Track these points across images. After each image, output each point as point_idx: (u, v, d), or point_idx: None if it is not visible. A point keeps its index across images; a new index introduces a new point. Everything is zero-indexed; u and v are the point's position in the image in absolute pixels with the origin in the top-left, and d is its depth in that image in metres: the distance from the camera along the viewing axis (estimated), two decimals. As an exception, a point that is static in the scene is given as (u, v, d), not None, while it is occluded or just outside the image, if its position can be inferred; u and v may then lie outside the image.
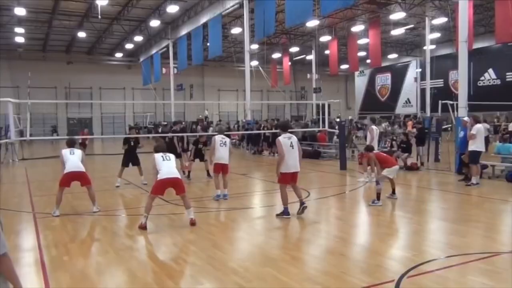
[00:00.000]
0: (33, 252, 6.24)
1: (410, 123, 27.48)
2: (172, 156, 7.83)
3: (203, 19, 28.29)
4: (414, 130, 18.89)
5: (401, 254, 5.95)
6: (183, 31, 31.93)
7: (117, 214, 8.92)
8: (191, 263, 5.66)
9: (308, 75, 39.16)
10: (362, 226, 7.98)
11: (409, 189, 11.90)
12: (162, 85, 39.07)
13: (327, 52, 36.44)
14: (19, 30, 31.08)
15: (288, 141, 8.05)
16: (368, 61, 35.26)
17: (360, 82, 48.83)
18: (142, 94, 44.04)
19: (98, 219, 8.31)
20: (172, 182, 7.50)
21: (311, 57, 39.17)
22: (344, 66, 41.05)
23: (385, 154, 9.89)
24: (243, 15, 25.00)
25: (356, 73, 46.16)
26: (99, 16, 26.94)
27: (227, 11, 26.01)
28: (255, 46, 33.22)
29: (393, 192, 9.71)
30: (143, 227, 7.32)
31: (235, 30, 30.61)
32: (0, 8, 27.28)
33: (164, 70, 36.49)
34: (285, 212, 8.10)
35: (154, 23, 30.85)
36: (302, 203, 8.27)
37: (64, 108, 42.10)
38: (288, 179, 8.13)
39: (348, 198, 10.63)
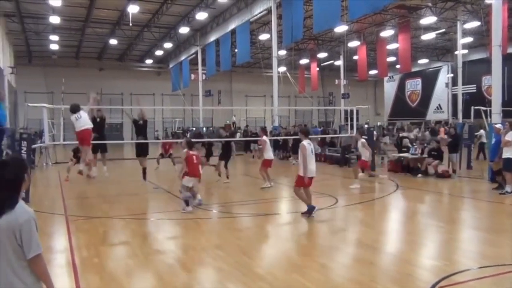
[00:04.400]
0: (65, 253, 6.39)
1: (442, 129, 26.85)
2: None
3: (232, 25, 28.51)
4: (446, 136, 18.46)
5: (432, 264, 5.80)
6: (212, 38, 32.25)
7: (146, 218, 9.04)
8: (218, 268, 5.67)
9: (336, 81, 38.85)
10: (392, 233, 7.83)
11: (440, 197, 11.62)
12: (191, 91, 39.51)
13: (355, 57, 36.07)
14: (53, 37, 32.08)
15: (310, 147, 8.43)
16: (398, 66, 34.68)
17: (390, 88, 48.11)
18: (171, 100, 44.63)
19: (127, 223, 8.45)
20: None
21: (339, 62, 38.86)
22: (373, 72, 40.53)
23: (195, 161, 9.28)
24: (271, 21, 25.04)
25: (385, 78, 45.50)
26: (130, 24, 27.50)
27: (255, 17, 26.12)
28: (283, 52, 33.20)
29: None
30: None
31: (263, 36, 30.69)
32: (36, 16, 28.27)
33: (192, 76, 36.90)
34: (310, 209, 8.36)
35: (183, 30, 31.28)
36: (313, 207, 8.55)
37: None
38: (309, 183, 8.50)
39: (377, 205, 10.45)
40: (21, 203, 2.66)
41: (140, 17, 28.77)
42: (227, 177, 13.68)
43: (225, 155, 14.02)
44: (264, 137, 12.86)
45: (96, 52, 40.90)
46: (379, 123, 42.85)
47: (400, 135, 18.90)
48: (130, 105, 43.16)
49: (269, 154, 12.64)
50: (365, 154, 12.66)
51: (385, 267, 5.74)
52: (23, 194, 2.73)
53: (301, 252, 6.46)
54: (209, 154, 15.34)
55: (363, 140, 12.76)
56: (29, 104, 11.47)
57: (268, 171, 12.53)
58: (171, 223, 8.65)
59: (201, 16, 27.88)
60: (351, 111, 16.74)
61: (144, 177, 12.63)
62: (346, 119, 26.33)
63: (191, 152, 9.29)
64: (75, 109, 9.88)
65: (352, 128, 16.53)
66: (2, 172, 2.65)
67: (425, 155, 14.77)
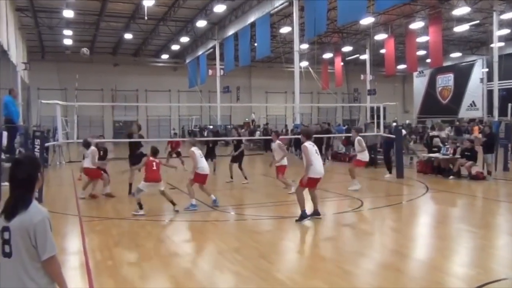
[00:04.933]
0: (79, 255, 6.51)
1: (476, 128, 26.38)
2: None
3: (251, 18, 28.55)
4: (481, 135, 18.11)
5: (465, 272, 5.71)
6: (230, 31, 32.36)
7: (162, 219, 9.13)
8: (236, 272, 5.69)
9: (362, 76, 38.52)
10: (421, 239, 7.72)
11: (474, 200, 11.41)
12: (208, 87, 39.73)
13: (382, 51, 35.71)
14: (67, 32, 32.67)
15: (313, 148, 8.47)
16: (428, 60, 34.19)
17: (419, 83, 47.46)
18: (187, 96, 44.99)
19: (142, 224, 8.55)
20: None
21: (365, 56, 38.54)
22: (401, 66, 40.05)
23: (155, 167, 9.39)
24: (293, 13, 24.99)
25: (415, 73, 44.91)
26: (146, 17, 27.83)
27: (276, 9, 26.11)
28: (305, 46, 33.08)
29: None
30: None
31: (284, 29, 30.64)
32: (49, 10, 28.83)
33: (210, 72, 37.11)
34: (304, 216, 8.31)
35: (201, 23, 31.47)
36: (317, 213, 8.55)
37: (110, 111, 43.77)
38: (314, 184, 8.51)
39: (405, 209, 10.33)
40: (34, 203, 2.73)
41: (156, 10, 29.06)
42: (245, 178, 13.85)
43: (237, 156, 14.21)
44: (277, 142, 12.27)
45: (110, 47, 41.50)
46: (407, 121, 42.32)
47: (430, 134, 18.61)
48: (145, 101, 43.73)
49: (283, 159, 12.09)
50: (361, 153, 12.57)
51: (413, 274, 5.67)
52: (36, 193, 2.79)
53: (324, 257, 6.43)
54: (211, 154, 15.38)
55: (359, 137, 12.69)
56: (42, 101, 11.69)
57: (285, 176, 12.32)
58: (187, 225, 8.72)
59: (219, 8, 27.99)
60: (378, 108, 16.57)
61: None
62: (372, 116, 26.12)
63: (151, 158, 9.50)
64: (86, 145, 11.44)
65: (378, 126, 16.37)
66: (15, 171, 2.72)
67: (457, 156, 14.51)
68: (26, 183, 2.72)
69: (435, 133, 18.43)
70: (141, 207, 9.23)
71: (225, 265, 6.03)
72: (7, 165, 10.98)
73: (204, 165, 9.99)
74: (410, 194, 12.00)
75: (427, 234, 8.06)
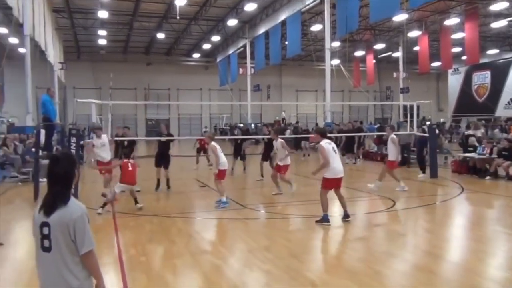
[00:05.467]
0: (112, 251, 6.66)
1: (513, 127, 25.51)
2: None
3: (282, 16, 28.47)
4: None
5: (501, 275, 5.55)
6: (261, 30, 32.37)
7: (193, 216, 9.23)
8: (267, 271, 5.70)
9: (395, 74, 37.87)
10: (455, 240, 7.54)
11: (511, 201, 11.06)
12: (239, 85, 39.88)
13: (416, 48, 35.00)
14: (101, 32, 33.45)
15: (330, 146, 8.17)
16: (464, 57, 33.28)
17: (454, 81, 46.21)
18: (218, 95, 45.29)
19: (174, 221, 8.67)
20: None
21: (398, 54, 37.87)
22: (435, 64, 39.17)
23: (130, 169, 9.38)
24: (324, 11, 24.81)
25: (450, 71, 43.72)
26: (178, 17, 28.16)
27: (307, 7, 25.95)
28: (336, 44, 32.79)
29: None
30: None
31: (315, 27, 30.44)
32: (85, 11, 29.56)
33: (241, 70, 37.24)
34: (325, 219, 8.09)
35: (232, 22, 31.61)
36: (347, 215, 8.31)
37: (143, 109, 44.52)
38: (333, 185, 8.22)
39: (439, 209, 10.11)
40: (73, 198, 2.82)
41: (188, 10, 29.36)
42: (262, 176, 13.92)
43: (267, 154, 14.11)
44: (280, 140, 11.59)
45: (143, 47, 42.19)
46: (442, 120, 41.37)
47: (466, 133, 18.15)
48: (177, 100, 44.26)
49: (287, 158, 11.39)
50: (392, 152, 12.00)
51: (447, 276, 5.55)
52: (72, 189, 2.88)
53: (355, 257, 6.37)
54: (238, 153, 15.40)
55: (393, 136, 12.13)
56: (78, 100, 12.03)
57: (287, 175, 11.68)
58: (218, 223, 8.79)
59: (250, 7, 28.05)
60: (411, 106, 16.28)
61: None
62: (405, 115, 25.65)
63: (125, 160, 9.59)
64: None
65: (412, 125, 16.07)
66: (53, 168, 2.81)
67: (494, 156, 14.09)
68: (63, 179, 2.80)
69: (470, 132, 17.97)
70: (104, 206, 9.13)
71: (255, 264, 6.05)
72: (44, 162, 11.35)
73: (224, 160, 9.95)
74: (444, 195, 11.74)
75: (462, 235, 7.87)
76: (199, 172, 16.01)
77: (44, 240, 2.75)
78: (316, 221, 8.16)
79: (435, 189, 12.71)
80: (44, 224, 2.73)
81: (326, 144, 8.15)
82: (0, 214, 8.83)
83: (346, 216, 8.34)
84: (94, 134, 11.23)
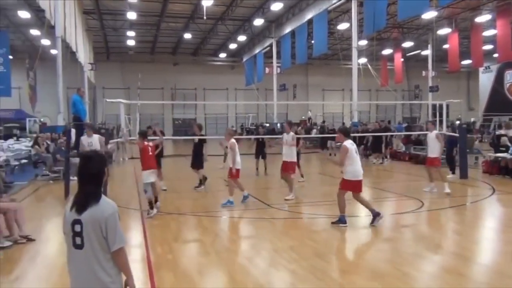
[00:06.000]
0: (140, 249, 6.76)
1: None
2: None
3: (308, 15, 28.34)
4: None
5: (535, 279, 5.39)
6: (287, 29, 32.31)
7: (219, 215, 9.28)
8: (292, 270, 5.69)
9: (423, 72, 37.20)
10: (486, 243, 7.36)
11: (545, 203, 10.73)
12: (265, 85, 39.90)
13: (445, 46, 34.30)
14: (130, 33, 34.05)
15: (352, 147, 8.04)
16: (495, 55, 32.48)
17: (486, 80, 45.11)
18: (244, 94, 45.40)
19: (200, 220, 8.74)
20: None
21: (427, 52, 37.22)
22: (466, 62, 38.31)
23: (150, 152, 8.98)
24: (351, 9, 24.57)
25: (481, 69, 42.74)
26: (204, 17, 28.37)
27: (334, 5, 25.75)
28: (363, 42, 32.44)
29: None
30: None
31: (342, 26, 30.19)
32: (114, 13, 30.12)
33: (267, 70, 37.24)
34: (342, 220, 8.00)
35: (258, 21, 31.65)
36: (377, 213, 8.06)
37: (170, 109, 45.04)
38: (352, 187, 8.06)
39: (470, 211, 9.89)
40: (103, 196, 2.89)
41: (214, 10, 29.54)
42: (302, 176, 13.68)
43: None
44: (291, 133, 11.04)
45: (170, 47, 42.67)
46: (472, 119, 40.44)
47: (497, 132, 17.69)
48: (203, 100, 44.61)
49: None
50: (436, 149, 11.38)
51: (476, 279, 5.43)
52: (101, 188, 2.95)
53: (382, 258, 6.29)
54: (260, 153, 15.28)
55: (437, 131, 11.67)
56: (107, 100, 12.22)
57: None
58: (244, 222, 8.82)
59: (276, 6, 28.03)
60: (440, 105, 15.97)
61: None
62: (434, 114, 25.17)
63: (146, 143, 9.05)
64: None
65: (441, 124, 15.77)
66: (85, 167, 2.87)
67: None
68: (95, 178, 2.87)
69: (502, 131, 17.50)
70: (152, 207, 8.87)
71: (281, 263, 6.04)
72: (75, 160, 11.61)
73: (240, 159, 9.95)
74: (475, 196, 11.48)
75: (493, 238, 7.67)
76: (225, 171, 16.06)
77: (76, 238, 2.81)
78: (332, 223, 8.08)
79: (465, 190, 12.43)
80: (76, 222, 2.80)
81: (350, 145, 8.03)
82: (32, 211, 9.08)
83: (376, 216, 8.03)
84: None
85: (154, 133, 13.18)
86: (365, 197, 8.68)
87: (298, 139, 14.13)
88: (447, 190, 10.99)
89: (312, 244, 6.92)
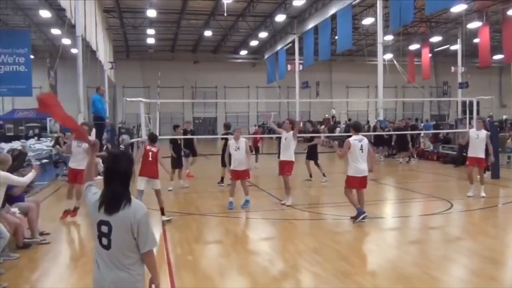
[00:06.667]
0: (160, 249, 6.83)
1: None
2: None
3: (332, 10, 28.12)
4: None
5: None
6: (310, 25, 32.13)
7: (240, 216, 9.30)
8: (315, 273, 5.66)
9: (453, 68, 36.55)
10: (519, 246, 7.20)
11: None
12: (287, 82, 39.79)
13: (476, 40, 33.63)
14: (150, 31, 34.37)
15: (358, 144, 8.16)
16: (530, 49, 31.69)
17: (519, 75, 44.12)
18: (266, 92, 45.37)
19: (221, 221, 8.78)
20: None
21: (456, 47, 36.52)
22: (497, 57, 37.48)
23: (150, 158, 8.43)
24: (376, 3, 24.29)
25: (514, 64, 41.84)
26: (225, 14, 28.46)
27: (358, 0, 25.52)
28: (389, 37, 32.03)
29: None
30: None
31: (367, 21, 29.87)
32: (134, 11, 30.49)
33: (289, 67, 37.11)
34: (360, 213, 8.08)
35: (280, 17, 31.56)
36: (362, 211, 8.15)
37: (191, 108, 45.35)
38: (356, 183, 8.22)
39: (502, 212, 9.69)
40: (132, 197, 2.91)
41: (235, 6, 29.60)
42: (324, 175, 13.62)
43: (310, 152, 13.91)
44: (292, 132, 10.15)
45: (191, 45, 42.94)
46: (505, 116, 39.55)
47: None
48: (224, 98, 44.77)
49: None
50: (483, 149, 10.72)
51: (508, 284, 5.31)
52: None
53: (409, 261, 6.21)
54: (314, 152, 15.03)
55: (485, 131, 10.94)
56: (127, 99, 12.38)
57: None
58: (265, 223, 8.82)
59: (299, 2, 27.90)
60: (470, 102, 15.69)
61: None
62: (464, 112, 24.68)
63: (148, 147, 8.59)
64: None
65: (470, 122, 15.48)
66: (114, 166, 2.90)
67: None
68: (124, 177, 2.89)
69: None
70: (163, 212, 8.46)
71: (303, 265, 6.03)
72: (96, 160, 11.77)
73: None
74: (507, 197, 11.27)
75: (527, 241, 7.49)
76: (255, 171, 16.10)
77: (103, 238, 2.85)
78: (352, 218, 8.16)
79: (497, 191, 12.17)
80: (104, 223, 2.83)
81: (354, 141, 8.20)
82: (53, 212, 9.26)
83: (359, 216, 8.09)
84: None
85: (185, 132, 13.50)
86: (393, 197, 8.57)
87: (311, 140, 14.16)
88: (483, 193, 10.54)
89: (335, 246, 6.88)
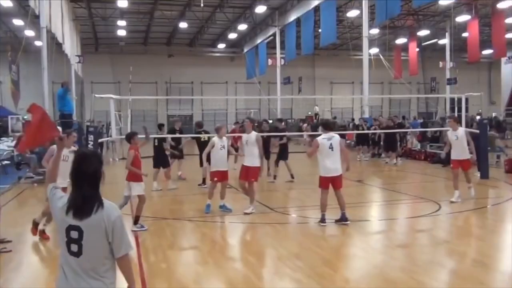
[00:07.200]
0: (131, 257, 6.76)
1: None
2: None
3: (315, 2, 28.24)
4: None
5: (562, 288, 5.38)
6: (292, 17, 32.24)
7: (217, 221, 9.29)
8: (297, 280, 5.70)
9: (441, 64, 37.13)
10: (509, 249, 7.35)
11: None
12: (268, 78, 39.85)
13: (465, 34, 34.24)
14: (121, 23, 33.98)
15: (327, 142, 8.27)
16: (520, 44, 32.44)
17: (509, 71, 44.99)
18: (245, 88, 45.34)
19: (197, 225, 8.75)
20: None
21: (444, 41, 37.12)
22: (487, 52, 38.22)
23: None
24: (361, -6, 24.55)
25: (503, 59, 42.65)
26: (202, 4, 28.34)
27: (343, -9, 25.75)
28: (375, 31, 32.39)
29: None
30: None
31: (352, 13, 30.13)
32: (104, 0, 30.11)
33: (270, 62, 37.20)
34: (322, 219, 8.28)
35: (260, 9, 31.59)
36: (344, 218, 8.34)
37: (165, 105, 45.04)
38: (327, 184, 8.34)
39: (491, 214, 9.88)
40: (103, 199, 2.86)
41: (213, -4, 29.51)
42: (292, 176, 13.79)
43: (283, 154, 13.98)
44: (255, 133, 9.86)
45: (165, 38, 42.68)
46: (494, 114, 40.35)
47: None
48: (200, 94, 44.57)
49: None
50: (466, 148, 10.49)
51: (499, 289, 5.42)
52: None
53: (395, 266, 6.29)
54: (264, 152, 14.88)
55: (463, 129, 10.81)
56: (95, 95, 12.23)
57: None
58: (245, 227, 8.82)
59: (280, -8, 27.95)
60: (459, 99, 15.98)
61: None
62: (452, 109, 25.16)
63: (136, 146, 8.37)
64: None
65: (460, 120, 15.73)
66: (81, 165, 2.82)
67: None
68: (94, 179, 2.83)
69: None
70: (137, 222, 8.21)
71: (285, 272, 6.05)
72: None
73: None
74: (497, 198, 11.47)
75: (516, 243, 7.66)
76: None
77: (72, 244, 2.78)
78: (318, 222, 8.36)
79: (485, 191, 12.41)
80: (73, 228, 2.76)
81: (323, 140, 8.33)
82: (15, 217, 9.10)
83: (343, 220, 8.32)
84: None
85: (173, 131, 13.61)
86: (379, 199, 8.66)
87: (268, 140, 13.95)
88: (473, 193, 10.53)
89: (318, 251, 6.93)
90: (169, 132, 13.72)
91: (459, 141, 10.44)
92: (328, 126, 8.73)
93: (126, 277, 2.93)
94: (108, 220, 2.77)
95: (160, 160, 12.79)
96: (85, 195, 2.78)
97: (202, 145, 12.32)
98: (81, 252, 2.76)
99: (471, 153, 10.76)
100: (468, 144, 10.58)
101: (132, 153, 8.20)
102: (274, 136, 14.87)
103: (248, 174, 9.57)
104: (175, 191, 12.48)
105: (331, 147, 8.26)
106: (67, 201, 2.82)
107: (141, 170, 8.32)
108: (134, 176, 8.22)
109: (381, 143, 20.16)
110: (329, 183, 8.35)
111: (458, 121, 11.36)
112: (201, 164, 12.31)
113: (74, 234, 2.76)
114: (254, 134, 9.79)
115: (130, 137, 8.50)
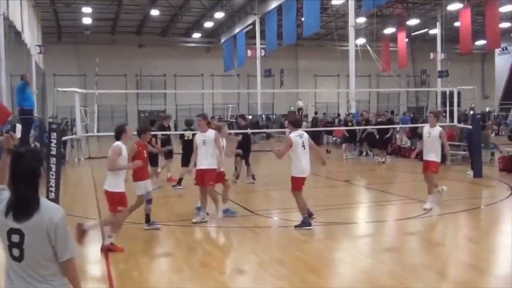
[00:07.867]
0: (100, 265, 6.72)
1: None
2: None
3: (297, -12, 28.38)
4: None
5: (558, 292, 5.51)
6: (273, 4, 32.26)
7: (193, 225, 9.25)
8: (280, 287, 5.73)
9: (431, 55, 37.59)
10: (504, 251, 7.48)
11: None
12: (247, 70, 39.87)
13: (457, 24, 34.70)
14: (86, 9, 33.59)
15: (299, 140, 8.27)
16: (514, 34, 33.01)
17: (502, 63, 45.79)
18: (222, 81, 45.28)
19: (171, 230, 8.72)
20: None
21: (435, 31, 37.55)
22: (480, 42, 38.84)
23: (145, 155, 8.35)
24: (347, -20, 24.70)
25: (497, 51, 43.34)
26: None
27: (327, -23, 25.88)
28: (362, 20, 32.55)
29: None
30: None
31: (337, 1, 30.29)
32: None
33: (249, 53, 37.18)
34: (305, 223, 8.27)
35: (238, -5, 31.59)
36: (310, 214, 8.50)
37: (135, 99, 44.69)
38: (302, 184, 8.38)
39: (485, 215, 10.05)
40: (44, 199, 2.86)
41: (186, -18, 29.38)
42: (253, 178, 13.81)
43: (245, 150, 13.71)
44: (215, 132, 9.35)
45: (135, 26, 42.33)
46: (488, 109, 41.01)
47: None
48: (174, 88, 44.32)
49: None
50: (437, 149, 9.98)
51: (493, 294, 5.52)
52: (52, 194, 2.90)
53: (384, 271, 6.36)
54: (246, 150, 14.23)
55: (439, 128, 10.21)
56: (58, 89, 12.08)
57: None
58: (223, 232, 8.81)
59: (260, -23, 27.98)
60: (451, 93, 16.18)
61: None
62: (443, 103, 25.44)
63: (140, 143, 8.40)
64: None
65: (452, 115, 15.94)
66: (17, 165, 2.81)
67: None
68: (31, 179, 2.81)
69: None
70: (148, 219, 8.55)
71: (266, 279, 6.06)
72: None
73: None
74: (491, 197, 11.67)
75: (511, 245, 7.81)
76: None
77: (13, 249, 2.78)
78: (296, 226, 8.32)
79: (479, 191, 12.63)
80: (14, 231, 2.76)
81: (295, 137, 8.28)
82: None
83: (303, 225, 8.35)
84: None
85: (163, 128, 13.74)
86: (367, 200, 8.73)
87: (247, 137, 14.02)
88: (428, 205, 9.89)
89: (302, 256, 6.96)
90: (158, 129, 13.55)
91: (430, 139, 10.04)
92: (297, 123, 8.79)
93: (72, 282, 2.91)
94: (50, 222, 2.75)
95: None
96: (22, 196, 2.76)
97: (186, 144, 12.36)
98: (23, 257, 2.76)
99: (443, 156, 10.21)
100: (442, 148, 10.09)
101: (135, 147, 8.11)
102: (254, 133, 14.84)
103: (204, 177, 8.99)
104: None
105: (303, 145, 8.30)
106: (6, 202, 2.81)
107: (146, 167, 8.43)
108: (138, 175, 8.23)
109: (362, 138, 20.11)
110: (304, 182, 8.42)
111: (438, 118, 11.08)
112: (186, 164, 12.19)
113: (15, 238, 2.76)
114: (212, 132, 9.24)
115: (141, 132, 8.52)
